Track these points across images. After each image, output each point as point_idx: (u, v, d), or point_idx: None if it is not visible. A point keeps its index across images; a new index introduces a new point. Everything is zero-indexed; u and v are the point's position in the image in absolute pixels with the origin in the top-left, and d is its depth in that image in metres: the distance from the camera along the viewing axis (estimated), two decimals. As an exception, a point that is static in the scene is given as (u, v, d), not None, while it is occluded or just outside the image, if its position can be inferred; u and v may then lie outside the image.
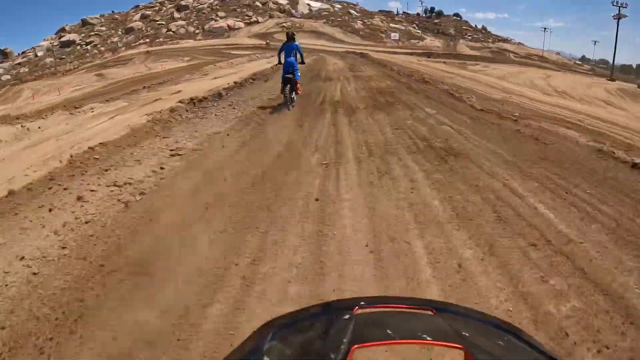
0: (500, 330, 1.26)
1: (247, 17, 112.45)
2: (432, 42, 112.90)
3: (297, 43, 13.08)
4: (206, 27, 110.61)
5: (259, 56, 47.19)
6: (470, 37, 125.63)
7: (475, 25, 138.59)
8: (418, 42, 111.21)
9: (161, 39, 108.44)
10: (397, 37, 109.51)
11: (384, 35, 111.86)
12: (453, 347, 1.08)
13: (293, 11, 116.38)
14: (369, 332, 1.16)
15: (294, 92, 13.15)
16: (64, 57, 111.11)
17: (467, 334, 1.14)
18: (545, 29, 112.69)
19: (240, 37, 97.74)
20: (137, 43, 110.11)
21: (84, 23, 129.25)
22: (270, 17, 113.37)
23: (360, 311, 1.26)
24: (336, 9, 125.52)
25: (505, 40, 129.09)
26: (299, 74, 13.35)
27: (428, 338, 1.11)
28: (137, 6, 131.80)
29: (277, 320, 1.33)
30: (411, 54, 62.24)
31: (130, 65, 60.01)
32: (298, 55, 13.11)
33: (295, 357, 1.10)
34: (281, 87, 13.10)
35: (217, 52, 67.29)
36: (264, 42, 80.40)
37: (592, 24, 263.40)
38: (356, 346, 1.04)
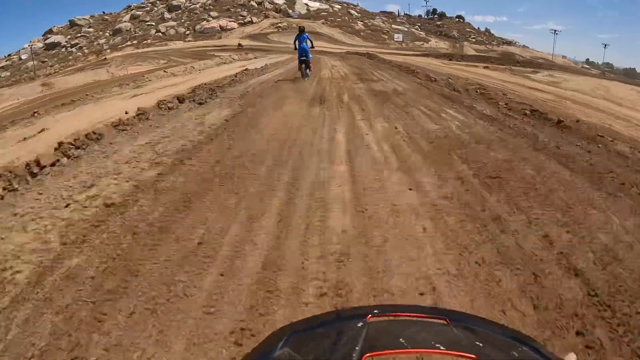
0: (516, 342, 1.12)
1: (241, 18, 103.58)
2: (437, 44, 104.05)
3: (306, 34, 17.53)
4: (197, 27, 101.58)
5: (237, 58, 40.58)
6: (474, 40, 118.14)
7: (478, 28, 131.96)
8: (422, 43, 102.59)
9: (149, 40, 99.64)
10: (400, 39, 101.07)
11: (386, 37, 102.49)
12: (466, 357, 0.98)
13: (290, 11, 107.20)
14: (382, 341, 1.05)
15: (308, 69, 18.32)
16: (46, 60, 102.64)
17: (481, 344, 1.04)
18: (555, 31, 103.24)
19: (232, 38, 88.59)
20: (123, 45, 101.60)
21: (72, 24, 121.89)
22: (266, 17, 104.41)
23: (373, 319, 1.13)
24: (335, 9, 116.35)
25: (510, 43, 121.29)
26: (310, 55, 18.12)
27: (441, 348, 1.01)
28: (129, 6, 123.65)
29: (290, 327, 1.18)
30: (425, 55, 52.53)
31: (93, 70, 50.09)
32: (309, 42, 17.55)
33: None
34: (298, 65, 18.46)
35: (201, 54, 58.30)
36: (237, 44, 71.23)
37: (590, 27, 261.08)
38: (368, 354, 0.95)
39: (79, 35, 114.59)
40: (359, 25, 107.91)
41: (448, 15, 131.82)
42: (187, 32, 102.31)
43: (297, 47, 17.32)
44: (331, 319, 1.26)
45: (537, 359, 1.04)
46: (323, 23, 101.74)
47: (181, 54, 62.85)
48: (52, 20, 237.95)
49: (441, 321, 1.14)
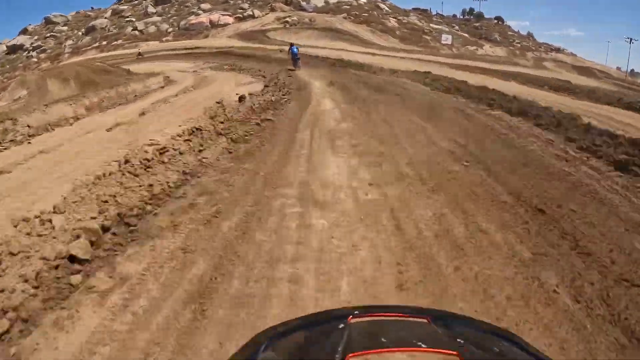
0: (496, 337, 1.22)
1: (240, 11, 75.66)
2: (493, 50, 76.27)
3: (295, 46, 25.82)
4: (182, 23, 74.04)
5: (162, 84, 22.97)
6: (518, 44, 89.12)
7: (518, 31, 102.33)
8: (476, 49, 73.72)
9: (120, 41, 72.90)
10: (449, 41, 73.10)
11: (429, 38, 74.12)
12: (448, 354, 1.05)
13: (303, 3, 79.09)
14: (364, 341, 1.12)
15: (299, 62, 24.40)
16: None
17: (462, 341, 1.10)
18: (609, 41, 75.11)
19: (220, 37, 61.98)
20: (89, 47, 74.98)
21: (47, 22, 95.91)
22: (272, 10, 76.06)
23: (354, 320, 1.21)
24: (361, 2, 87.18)
25: (558, 50, 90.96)
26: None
27: (423, 346, 1.07)
28: (120, 1, 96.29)
29: (271, 330, 1.26)
30: (506, 75, 29.25)
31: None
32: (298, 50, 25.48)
33: None
34: (292, 62, 24.52)
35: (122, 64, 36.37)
36: (137, 54, 48.74)
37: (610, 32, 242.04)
38: (351, 355, 1.00)
39: (49, 35, 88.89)
40: (392, 22, 79.40)
41: (486, 16, 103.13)
42: (170, 29, 75.17)
43: (292, 53, 24.83)
44: (313, 321, 1.32)
45: (518, 353, 1.10)
46: (345, 18, 73.12)
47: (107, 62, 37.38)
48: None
49: (422, 320, 1.20)
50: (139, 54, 47.46)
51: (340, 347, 1.01)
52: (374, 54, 37.21)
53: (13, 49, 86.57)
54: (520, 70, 34.44)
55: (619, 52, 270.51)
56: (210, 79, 22.79)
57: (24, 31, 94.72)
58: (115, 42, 73.48)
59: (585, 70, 62.16)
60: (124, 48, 66.30)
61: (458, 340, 1.09)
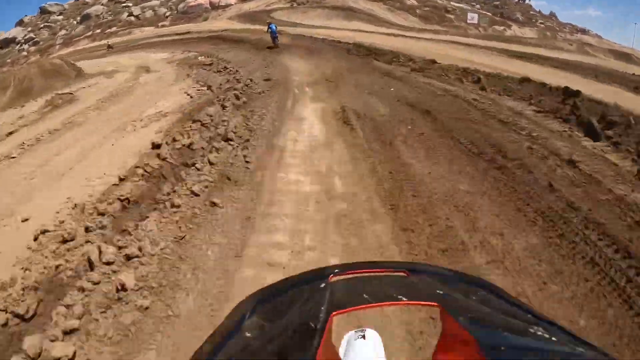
0: (473, 286, 1.22)
1: (246, -11, 67.34)
2: (522, 31, 67.08)
3: (274, 24, 24.86)
4: (180, 6, 66.80)
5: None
6: (542, 25, 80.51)
7: (540, 11, 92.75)
8: (504, 29, 65.40)
9: (114, 29, 66.01)
10: (475, 20, 65.22)
11: (452, 17, 66.40)
12: (429, 306, 1.09)
13: (313, -20, 69.90)
14: (346, 299, 1.12)
15: (277, 39, 23.70)
16: None
17: (441, 292, 1.12)
18: (635, 23, 66.33)
19: (220, 19, 54.91)
20: (81, 36, 68.38)
21: (43, 12, 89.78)
22: (279, -13, 67.94)
23: (335, 279, 1.21)
24: (375, -22, 78.53)
25: (584, 32, 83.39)
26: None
27: (404, 299, 1.07)
28: None
29: (254, 296, 1.22)
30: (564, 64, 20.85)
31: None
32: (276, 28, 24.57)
33: (276, 330, 1.03)
34: (272, 39, 23.65)
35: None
36: (107, 46, 42.85)
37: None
38: (335, 313, 1.02)
39: (43, 26, 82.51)
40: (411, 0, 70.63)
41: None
42: (168, 13, 67.96)
43: (272, 30, 23.74)
44: (294, 282, 1.26)
45: (495, 300, 1.12)
46: (359, -6, 65.15)
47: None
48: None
49: (401, 274, 1.21)
50: (109, 46, 41.85)
51: (324, 307, 1.01)
52: (395, 35, 29.69)
53: (6, 43, 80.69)
54: (573, 57, 26.39)
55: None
56: (140, 88, 17.06)
57: (20, 23, 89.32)
58: (109, 30, 66.94)
59: (624, 56, 52.68)
60: (117, 36, 59.71)
61: (437, 291, 1.10)
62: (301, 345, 0.90)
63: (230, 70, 17.05)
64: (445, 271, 1.34)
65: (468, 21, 63.55)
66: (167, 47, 31.13)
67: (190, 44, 30.66)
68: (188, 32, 40.91)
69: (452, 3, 77.51)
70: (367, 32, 31.64)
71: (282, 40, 24.45)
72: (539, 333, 0.91)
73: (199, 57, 22.31)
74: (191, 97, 13.76)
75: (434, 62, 16.77)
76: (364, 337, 1.48)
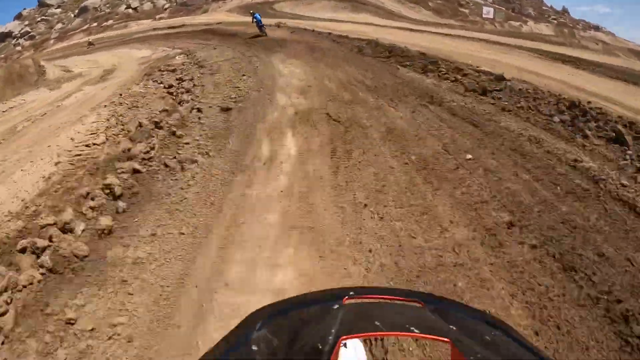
0: (488, 325, 1.19)
1: (249, -20, 63.66)
2: (538, 27, 62.30)
3: (258, 14, 24.48)
4: (180, -2, 63.58)
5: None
6: (555, 22, 74.99)
7: (551, 6, 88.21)
8: (520, 25, 61.20)
9: (110, 22, 62.84)
10: (491, 15, 60.58)
11: (467, 11, 62.98)
12: (440, 341, 1.05)
13: (319, -31, 65.97)
14: (357, 323, 1.10)
15: (264, 28, 23.21)
16: None
17: (454, 328, 1.09)
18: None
19: (220, 12, 51.69)
20: (77, 30, 65.23)
21: (41, 4, 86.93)
22: (284, -21, 64.19)
23: (349, 301, 1.19)
24: (384, -31, 74.51)
25: (597, 28, 78.01)
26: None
27: (415, 331, 1.06)
28: None
29: (266, 309, 1.23)
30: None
31: None
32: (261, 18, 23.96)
33: (283, 347, 1.02)
34: (258, 28, 23.21)
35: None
36: (88, 43, 39.84)
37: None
38: (343, 337, 0.99)
39: (40, 19, 79.35)
40: (423, -9, 66.81)
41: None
42: (167, 5, 64.56)
43: (257, 20, 23.46)
44: (308, 300, 1.27)
45: (509, 342, 1.07)
46: (366, -15, 61.44)
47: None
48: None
49: (416, 304, 1.19)
50: (89, 43, 39.08)
51: (334, 329, 0.98)
52: (412, 30, 25.77)
53: (2, 37, 77.69)
54: (610, 60, 22.35)
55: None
56: (51, 118, 12.34)
57: (19, 16, 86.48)
58: (105, 23, 63.57)
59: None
60: (113, 29, 56.50)
61: (451, 327, 1.06)
62: None
63: (192, 85, 13.83)
64: (461, 307, 1.35)
65: (483, 15, 59.44)
66: (154, 43, 28.25)
67: (180, 39, 27.71)
68: (182, 25, 37.66)
69: (465, -4, 73.66)
70: (379, 25, 27.98)
71: (278, 35, 21.98)
72: None
73: (178, 57, 19.12)
74: (78, 155, 8.65)
75: (502, 78, 11.69)
76: (345, 345, 1.35)
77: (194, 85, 13.53)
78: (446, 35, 23.69)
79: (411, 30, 25.84)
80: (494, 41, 21.71)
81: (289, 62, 16.31)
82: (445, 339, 0.99)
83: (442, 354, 3.52)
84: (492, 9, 62.30)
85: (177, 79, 14.59)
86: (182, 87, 13.42)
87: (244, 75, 14.46)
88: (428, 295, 1.39)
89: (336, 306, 1.13)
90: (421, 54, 15.50)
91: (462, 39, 22.38)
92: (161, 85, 14.03)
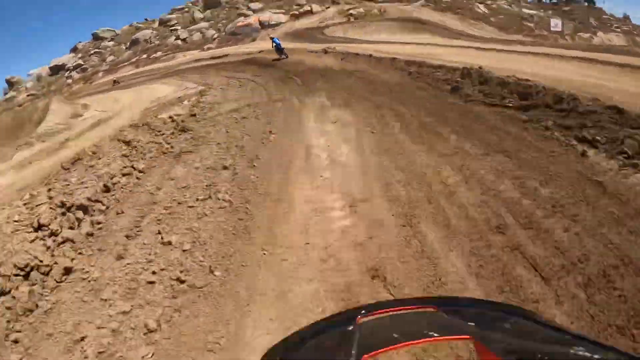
0: (505, 313, 1.16)
1: (295, 7, 61.07)
2: (609, 38, 58.36)
3: (277, 38, 26.33)
4: (228, 27, 61.22)
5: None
6: (619, 31, 68.49)
7: (611, 15, 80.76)
8: (590, 37, 56.95)
9: (159, 53, 61.09)
10: (559, 27, 56.20)
11: (532, 25, 58.07)
12: (462, 340, 1.06)
13: (372, -7, 62.18)
14: (376, 339, 1.07)
15: (284, 52, 23.84)
16: (33, 92, 67.63)
17: (473, 324, 1.06)
18: None
19: (266, 40, 47.52)
20: (126, 62, 64.07)
21: (95, 37, 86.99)
22: (334, 3, 60.97)
23: (363, 320, 1.16)
24: (440, -12, 69.95)
25: None
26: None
27: (435, 335, 1.04)
28: (172, 9, 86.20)
29: (282, 344, 1.20)
30: None
31: None
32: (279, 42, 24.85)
33: None
34: (277, 52, 23.97)
35: None
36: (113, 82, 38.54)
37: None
38: (366, 356, 0.97)
39: (93, 52, 78.98)
40: (481, 8, 62.62)
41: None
42: (216, 35, 62.23)
43: (276, 44, 24.30)
44: (321, 327, 1.20)
45: (531, 326, 1.04)
46: (424, 5, 57.19)
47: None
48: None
49: (430, 309, 1.16)
50: (115, 81, 38.05)
51: (354, 350, 0.96)
52: (484, 49, 20.45)
53: (56, 69, 77.95)
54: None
55: None
56: None
57: (74, 49, 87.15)
58: (154, 55, 61.91)
59: None
60: (161, 61, 54.62)
61: (469, 324, 1.04)
62: None
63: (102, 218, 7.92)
64: (474, 301, 1.38)
65: (552, 28, 54.83)
66: (188, 76, 25.50)
67: (217, 70, 25.04)
68: (225, 55, 34.65)
69: (523, 10, 68.27)
70: (444, 46, 22.86)
71: (324, 63, 18.37)
72: (580, 353, 0.85)
73: (186, 101, 14.99)
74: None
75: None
76: None
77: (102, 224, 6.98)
78: (533, 54, 17.86)
79: (484, 49, 20.55)
80: (584, 58, 15.97)
81: (331, 116, 11.04)
82: (467, 337, 0.98)
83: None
84: (559, 21, 57.73)
85: (185, 147, 9.65)
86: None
87: (251, 164, 8.55)
88: (440, 299, 1.49)
89: (351, 327, 1.06)
90: (545, 89, 9.00)
91: (552, 57, 16.79)
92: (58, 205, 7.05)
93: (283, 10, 61.37)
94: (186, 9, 79.93)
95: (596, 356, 0.80)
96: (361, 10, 54.76)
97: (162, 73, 32.99)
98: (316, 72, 16.71)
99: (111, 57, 73.04)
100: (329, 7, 60.40)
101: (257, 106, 12.88)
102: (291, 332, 1.23)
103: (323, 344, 1.09)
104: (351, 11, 54.56)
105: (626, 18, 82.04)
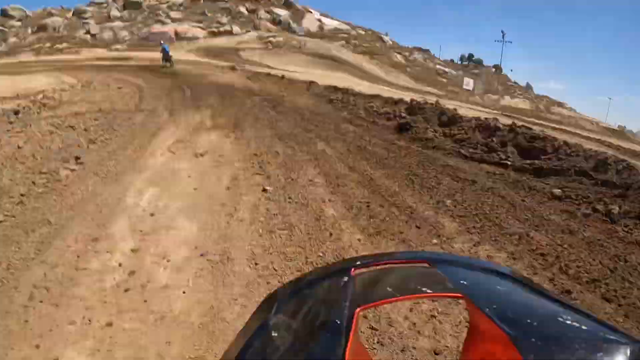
0: (496, 275, 1.16)
1: (216, 25, 59.93)
2: (514, 101, 62.74)
3: (166, 45, 27.39)
4: (143, 31, 59.28)
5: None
6: (521, 96, 75.24)
7: (515, 82, 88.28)
8: (499, 98, 61.82)
9: (62, 45, 57.57)
10: (471, 86, 60.11)
11: (444, 80, 62.12)
12: (454, 297, 1.06)
13: (294, 26, 64.32)
14: (370, 293, 1.10)
15: (171, 59, 25.20)
16: None
17: (465, 282, 1.07)
18: (610, 98, 64.76)
19: (179, 50, 46.30)
20: (26, 48, 59.56)
21: (4, 14, 79.22)
22: (256, 28, 60.33)
23: (357, 272, 1.16)
24: (360, 32, 73.27)
25: (561, 105, 78.10)
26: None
27: (428, 291, 1.08)
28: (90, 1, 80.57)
29: (278, 293, 1.19)
30: None
31: None
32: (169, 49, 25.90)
33: (302, 328, 1.00)
34: (163, 58, 25.16)
35: None
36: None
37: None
38: (360, 308, 0.98)
39: (-6, 31, 72.82)
40: (399, 58, 65.48)
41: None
42: (128, 37, 59.89)
43: (165, 51, 25.38)
44: (316, 278, 1.20)
45: (519, 289, 1.06)
46: (344, 46, 58.49)
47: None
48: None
49: (423, 264, 1.16)
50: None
51: (348, 302, 0.97)
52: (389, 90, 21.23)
53: (-52, 49, 70.65)
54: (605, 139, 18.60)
55: (601, 108, 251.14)
56: None
57: (-23, 24, 79.30)
58: (58, 46, 57.84)
59: (616, 133, 44.62)
60: (63, 53, 51.17)
61: (462, 282, 1.05)
62: (329, 344, 0.86)
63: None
64: (467, 260, 1.27)
65: (464, 87, 58.53)
66: (78, 74, 22.98)
67: (110, 72, 23.24)
68: (127, 59, 33.20)
69: (437, 66, 72.03)
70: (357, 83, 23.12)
71: (226, 79, 18.05)
72: (568, 322, 0.87)
73: (57, 92, 13.34)
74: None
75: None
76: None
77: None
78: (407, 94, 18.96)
79: (388, 90, 21.32)
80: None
81: (204, 143, 8.55)
82: (459, 295, 0.99)
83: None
84: (471, 81, 62.02)
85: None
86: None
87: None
88: (434, 255, 1.41)
89: (346, 278, 1.06)
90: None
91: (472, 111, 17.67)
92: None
93: (202, 26, 60.09)
94: (104, 5, 76.29)
95: (583, 326, 0.82)
96: (281, 39, 54.84)
97: (56, 66, 30.64)
98: (213, 87, 15.89)
99: (14, 39, 67.68)
100: (249, 31, 60.05)
101: (110, 114, 10.53)
102: (287, 282, 1.23)
103: (318, 294, 1.07)
104: (271, 39, 54.52)
105: (529, 87, 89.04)
